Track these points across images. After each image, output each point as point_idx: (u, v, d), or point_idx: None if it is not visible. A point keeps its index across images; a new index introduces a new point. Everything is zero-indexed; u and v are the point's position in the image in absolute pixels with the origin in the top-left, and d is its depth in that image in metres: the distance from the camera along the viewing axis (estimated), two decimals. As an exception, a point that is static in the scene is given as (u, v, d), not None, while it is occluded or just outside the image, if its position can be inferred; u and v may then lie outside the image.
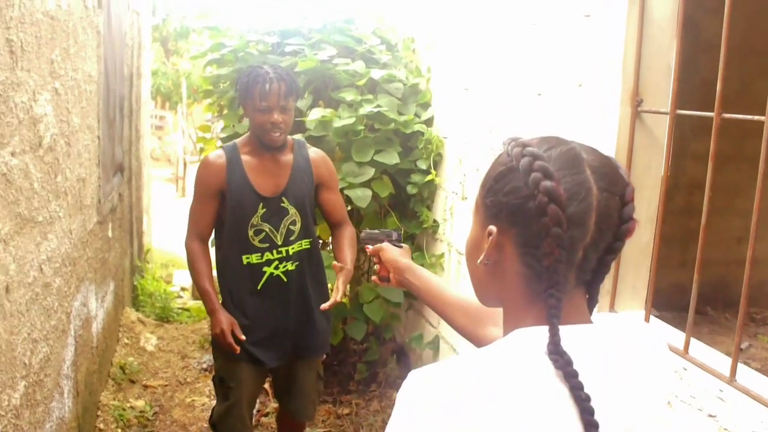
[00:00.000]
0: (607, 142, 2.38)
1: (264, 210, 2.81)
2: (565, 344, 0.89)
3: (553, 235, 0.90)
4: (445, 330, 3.99)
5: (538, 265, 0.93)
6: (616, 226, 0.94)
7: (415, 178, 4.15)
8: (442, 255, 4.05)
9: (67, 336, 3.06)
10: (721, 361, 1.97)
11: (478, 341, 1.43)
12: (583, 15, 2.53)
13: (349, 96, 4.04)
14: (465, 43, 3.76)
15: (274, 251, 2.85)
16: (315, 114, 3.93)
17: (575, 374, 0.87)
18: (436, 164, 4.15)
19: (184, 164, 14.63)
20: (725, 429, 1.79)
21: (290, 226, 2.86)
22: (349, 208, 4.21)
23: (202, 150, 5.09)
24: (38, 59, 2.50)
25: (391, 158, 3.96)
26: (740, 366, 1.89)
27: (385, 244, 1.81)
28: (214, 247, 3.01)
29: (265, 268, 2.85)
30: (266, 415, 4.05)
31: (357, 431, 3.97)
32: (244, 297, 2.87)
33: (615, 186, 0.94)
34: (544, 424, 0.85)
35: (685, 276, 4.29)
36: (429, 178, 4.09)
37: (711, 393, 1.87)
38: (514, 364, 0.89)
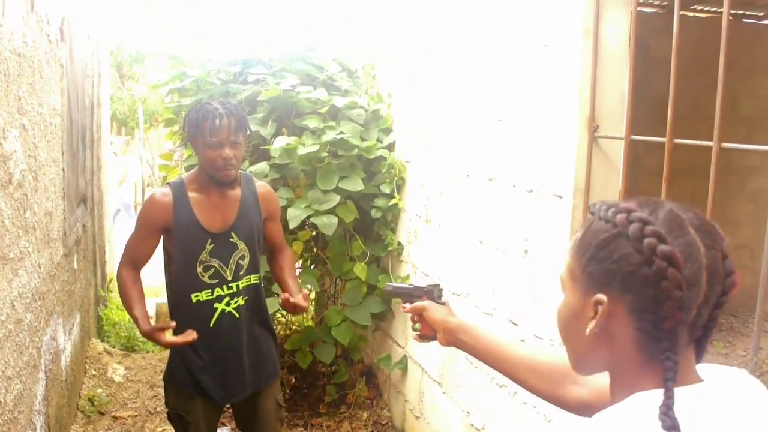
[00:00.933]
0: (566, 165, 2.48)
1: (212, 246, 2.78)
2: (681, 407, 0.90)
3: (674, 299, 0.91)
4: (412, 350, 4.06)
5: (654, 329, 0.94)
6: (723, 281, 0.95)
7: (379, 202, 4.23)
8: (407, 276, 4.13)
9: (39, 371, 3.06)
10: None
11: (559, 401, 1.44)
12: (540, 45, 2.64)
13: (312, 123, 4.11)
14: (425, 70, 3.86)
15: (225, 287, 2.82)
16: (279, 142, 3.99)
17: None
18: (399, 188, 4.24)
19: (143, 190, 14.51)
20: None
21: (239, 261, 2.84)
22: (314, 233, 4.29)
23: (164, 178, 5.11)
24: (7, 97, 2.52)
25: (355, 185, 4.03)
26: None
27: (429, 303, 1.79)
28: (165, 287, 2.98)
29: (216, 305, 2.81)
30: (238, 442, 4.06)
31: (329, 454, 4.01)
32: (197, 336, 2.78)
33: (716, 242, 0.96)
34: None
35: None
36: (393, 201, 4.18)
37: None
38: (634, 428, 0.91)
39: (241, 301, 2.86)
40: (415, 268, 4.04)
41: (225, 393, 2.89)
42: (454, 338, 1.69)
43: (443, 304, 1.80)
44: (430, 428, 3.75)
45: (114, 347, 5.58)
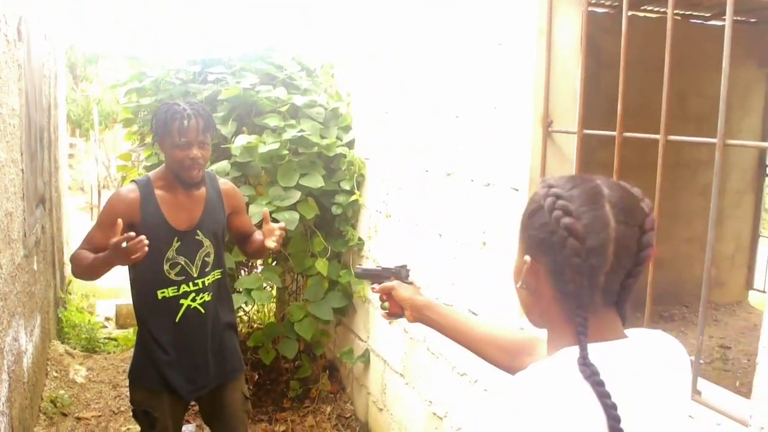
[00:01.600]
0: (522, 159, 2.58)
1: (179, 243, 2.81)
2: (598, 358, 1.01)
3: (573, 265, 1.03)
4: (374, 343, 4.13)
5: (565, 288, 1.07)
6: (636, 254, 1.05)
7: (340, 198, 4.29)
8: (369, 271, 4.19)
9: (2, 372, 3.06)
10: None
11: (515, 372, 1.49)
12: (496, 43, 2.72)
13: (272, 122, 4.16)
14: (383, 69, 3.93)
15: (190, 283, 2.85)
16: (240, 140, 4.03)
17: (602, 383, 0.99)
18: (359, 185, 4.31)
19: (99, 192, 14.35)
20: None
21: (205, 258, 2.88)
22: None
23: (123, 179, 5.10)
24: (-34, 98, 2.53)
25: (316, 182, 4.09)
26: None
27: (397, 283, 1.90)
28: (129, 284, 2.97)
29: (182, 301, 2.84)
30: (203, 438, 4.09)
31: (294, 447, 4.06)
32: (163, 332, 2.85)
33: (634, 218, 1.05)
34: (578, 428, 0.99)
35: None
36: (353, 198, 4.24)
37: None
38: (557, 379, 1.02)
39: (206, 297, 2.90)
40: (375, 262, 4.11)
41: (191, 387, 2.92)
42: (421, 315, 1.79)
43: (410, 283, 1.91)
44: (394, 419, 3.83)
45: (75, 349, 5.55)
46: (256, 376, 4.66)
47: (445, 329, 1.74)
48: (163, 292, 2.82)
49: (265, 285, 4.18)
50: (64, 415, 4.35)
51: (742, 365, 5.13)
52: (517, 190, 2.61)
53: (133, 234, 2.44)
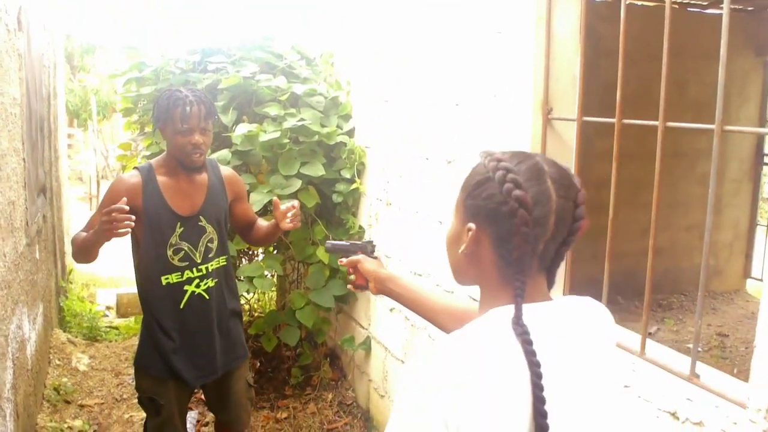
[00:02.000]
0: (522, 147, 2.59)
1: (182, 229, 2.83)
2: (528, 318, 1.10)
3: (521, 234, 1.11)
4: (375, 330, 4.16)
5: (508, 255, 1.14)
6: (570, 224, 1.16)
7: (340, 187, 4.31)
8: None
9: (6, 359, 3.08)
10: (633, 340, 2.20)
11: None
12: (495, 31, 2.74)
13: (272, 111, 4.17)
14: (383, 57, 3.95)
15: (194, 269, 2.88)
16: (241, 129, 4.04)
17: (530, 342, 1.07)
18: (360, 173, 4.33)
19: (98, 183, 14.36)
20: (639, 396, 2.02)
21: (208, 244, 2.91)
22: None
23: (123, 168, 5.11)
24: (-31, 87, 2.54)
25: (317, 170, 4.11)
26: (648, 342, 2.13)
27: (362, 257, 1.98)
28: (134, 271, 3.00)
29: (186, 287, 2.86)
30: (206, 424, 4.13)
31: (296, 434, 4.09)
32: (168, 318, 2.88)
33: (569, 192, 1.16)
34: (502, 382, 1.06)
35: (597, 268, 4.55)
36: (353, 186, 4.26)
37: (625, 367, 2.10)
38: (488, 336, 1.11)
39: (210, 282, 2.92)
40: (377, 250, 4.13)
41: (197, 374, 2.95)
42: (383, 287, 1.88)
43: (375, 258, 2.00)
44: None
45: (77, 337, 5.58)
46: (258, 364, 4.69)
47: (406, 301, 1.81)
48: (167, 278, 2.84)
49: (266, 273, 4.20)
50: (68, 402, 4.38)
51: (740, 353, 5.17)
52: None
53: (126, 208, 2.44)
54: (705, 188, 6.19)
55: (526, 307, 1.12)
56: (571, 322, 1.20)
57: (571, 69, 2.58)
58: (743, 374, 1.93)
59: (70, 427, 4.02)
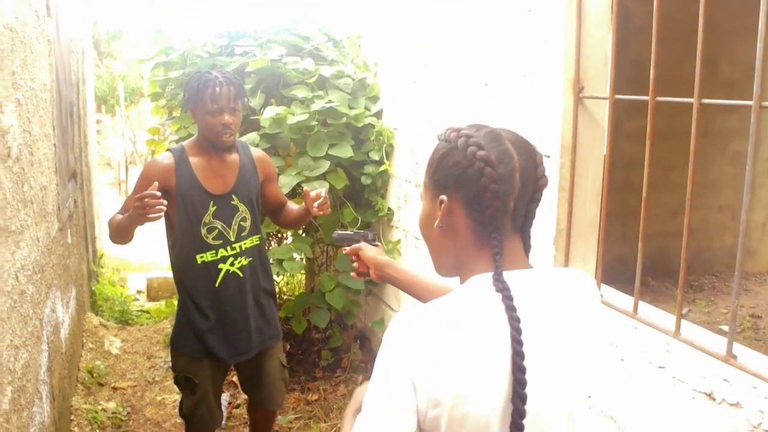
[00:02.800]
0: (553, 126, 2.57)
1: (215, 208, 2.88)
2: (509, 281, 1.15)
3: (491, 190, 1.17)
4: (405, 313, 4.15)
5: (481, 216, 1.20)
6: (535, 182, 1.22)
7: (369, 169, 4.30)
8: (398, 241, 4.21)
9: (42, 342, 3.12)
10: (667, 320, 2.17)
11: None
12: (526, 10, 2.70)
13: (300, 93, 4.17)
14: (411, 38, 3.92)
15: (228, 248, 2.93)
16: (269, 112, 4.05)
17: (511, 298, 1.12)
18: (388, 155, 4.31)
19: (126, 168, 14.47)
20: (674, 377, 2.00)
21: (241, 223, 2.96)
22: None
23: (152, 153, 5.14)
24: (2, 71, 2.56)
25: (345, 151, 4.10)
26: (683, 322, 2.10)
27: (363, 244, 2.03)
28: (168, 251, 3.04)
29: (221, 265, 2.91)
30: (237, 406, 4.16)
31: (327, 415, 4.11)
32: (203, 297, 2.93)
33: (529, 153, 1.22)
34: (483, 341, 1.11)
35: (627, 249, 4.53)
36: (382, 168, 4.25)
37: (659, 347, 2.08)
38: (467, 295, 1.17)
39: (244, 261, 2.96)
40: (405, 232, 4.13)
41: (231, 352, 2.99)
42: (383, 272, 1.94)
43: (376, 245, 2.05)
44: (425, 388, 3.85)
45: (109, 321, 5.65)
46: (288, 347, 4.71)
47: (404, 285, 1.87)
48: (202, 257, 2.89)
49: (295, 255, 4.21)
50: (101, 384, 4.44)
51: (774, 334, 5.10)
52: (548, 156, 2.60)
53: (158, 193, 2.49)
54: (736, 168, 6.12)
55: (506, 274, 1.16)
56: (550, 288, 1.23)
57: (602, 47, 2.54)
58: (779, 355, 1.90)
59: (104, 409, 4.07)
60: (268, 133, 4.09)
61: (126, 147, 15.25)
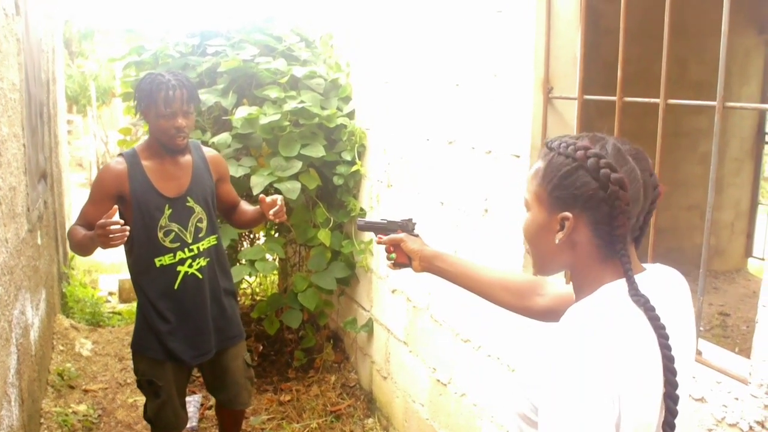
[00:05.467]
0: (523, 126, 2.59)
1: (170, 211, 2.89)
2: (641, 288, 1.19)
3: (625, 212, 1.19)
4: (377, 312, 4.17)
5: (608, 236, 1.21)
6: (653, 193, 1.25)
7: (341, 169, 4.31)
8: (370, 241, 4.22)
9: (10, 344, 3.09)
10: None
11: (527, 311, 1.72)
12: (495, 10, 2.72)
13: (272, 93, 4.16)
14: (383, 39, 3.93)
15: (186, 250, 2.93)
16: (241, 112, 4.04)
17: (653, 309, 1.16)
18: (360, 155, 4.32)
19: (98, 168, 14.33)
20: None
21: (198, 224, 2.97)
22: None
23: (124, 153, 5.09)
24: (-31, 71, 2.53)
25: (317, 151, 4.10)
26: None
27: (405, 235, 1.99)
28: (126, 256, 3.03)
29: (179, 268, 2.93)
30: (210, 407, 4.15)
31: (300, 416, 4.10)
32: (163, 299, 2.93)
33: (646, 164, 1.24)
34: (641, 347, 1.15)
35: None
36: (354, 168, 4.26)
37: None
38: (613, 309, 1.17)
39: (203, 262, 2.98)
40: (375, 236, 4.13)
41: (194, 353, 3.00)
42: (430, 265, 1.91)
43: (417, 236, 2.00)
44: (398, 387, 3.87)
45: (80, 323, 5.59)
46: (261, 347, 4.71)
47: (455, 277, 1.85)
48: (161, 260, 2.90)
49: (268, 256, 4.21)
50: (72, 387, 4.40)
51: (741, 332, 5.18)
52: (518, 156, 2.62)
53: (121, 221, 2.48)
54: (706, 168, 6.20)
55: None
56: (666, 288, 1.28)
57: (572, 48, 2.57)
58: (745, 352, 1.93)
59: (74, 412, 4.04)
60: (241, 134, 4.08)
61: (98, 147, 15.10)
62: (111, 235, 2.46)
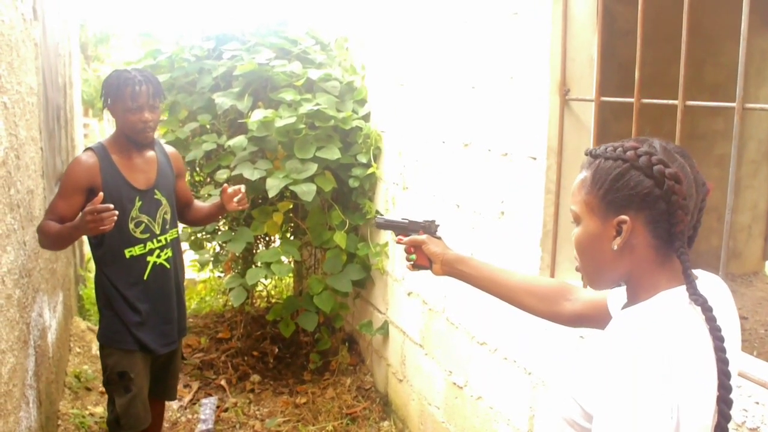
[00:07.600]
0: (539, 128, 2.58)
1: (141, 202, 2.98)
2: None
3: (683, 207, 1.17)
4: (393, 315, 4.17)
5: (667, 234, 1.20)
6: (702, 190, 1.24)
7: (356, 171, 4.31)
8: (386, 244, 4.22)
9: (29, 347, 3.11)
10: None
11: (556, 317, 1.69)
12: (511, 13, 2.72)
13: (288, 96, 4.17)
14: (398, 41, 3.93)
15: (155, 240, 3.03)
16: (257, 115, 4.05)
17: (710, 309, 1.15)
18: (376, 157, 4.32)
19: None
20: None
21: (164, 216, 3.07)
22: (291, 205, 4.36)
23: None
24: (-12, 75, 2.55)
25: (333, 154, 4.11)
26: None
27: (427, 237, 1.94)
28: (91, 248, 3.07)
29: (148, 258, 3.02)
30: (226, 410, 4.16)
31: (315, 418, 4.11)
32: (131, 290, 2.99)
33: (692, 162, 1.24)
34: (700, 354, 1.13)
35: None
36: (370, 171, 4.26)
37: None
38: (671, 316, 1.16)
39: (169, 253, 3.09)
40: (393, 235, 4.13)
41: (163, 341, 3.10)
42: (452, 269, 1.87)
43: (439, 238, 1.96)
44: (413, 390, 3.87)
45: (96, 325, 5.61)
46: (276, 350, 4.71)
47: (479, 281, 1.81)
48: (131, 251, 2.98)
49: (283, 258, 4.22)
50: (88, 389, 4.42)
51: (759, 335, 5.13)
52: (534, 159, 2.62)
53: (111, 206, 2.59)
54: (722, 170, 6.14)
55: (682, 288, 1.19)
56: (716, 292, 1.26)
57: (588, 49, 2.56)
58: (763, 356, 1.91)
59: (91, 414, 4.06)
60: (256, 136, 4.09)
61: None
62: (103, 219, 2.56)
